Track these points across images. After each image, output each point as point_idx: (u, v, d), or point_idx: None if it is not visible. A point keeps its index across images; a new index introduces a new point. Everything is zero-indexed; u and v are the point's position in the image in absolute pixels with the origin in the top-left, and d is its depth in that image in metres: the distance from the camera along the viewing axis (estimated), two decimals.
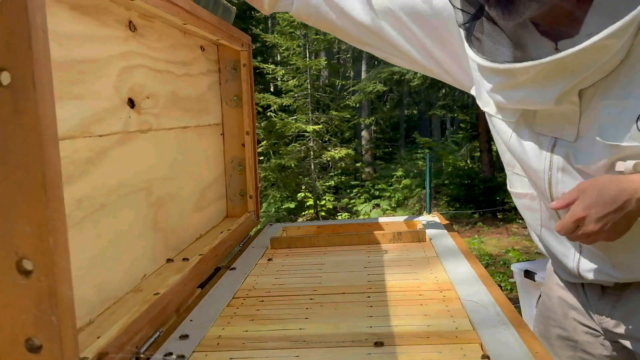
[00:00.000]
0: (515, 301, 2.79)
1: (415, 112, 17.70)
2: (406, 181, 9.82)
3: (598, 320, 1.12)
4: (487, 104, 1.08)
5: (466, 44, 0.97)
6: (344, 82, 11.91)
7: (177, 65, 1.42)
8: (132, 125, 1.15)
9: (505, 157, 1.15)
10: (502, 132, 1.07)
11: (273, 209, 9.11)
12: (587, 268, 1.05)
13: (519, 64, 0.85)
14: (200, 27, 1.40)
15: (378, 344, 0.94)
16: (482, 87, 1.03)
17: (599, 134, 0.89)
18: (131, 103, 1.14)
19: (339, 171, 10.31)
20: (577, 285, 1.17)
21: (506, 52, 0.89)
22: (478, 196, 7.71)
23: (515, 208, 7.47)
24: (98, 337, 0.90)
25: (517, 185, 1.15)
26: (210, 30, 1.49)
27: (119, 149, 1.08)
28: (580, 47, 0.79)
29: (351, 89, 9.89)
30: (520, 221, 7.15)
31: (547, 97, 0.88)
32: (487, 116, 1.13)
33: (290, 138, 9.33)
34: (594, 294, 1.12)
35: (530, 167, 1.03)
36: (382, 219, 2.02)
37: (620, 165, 0.89)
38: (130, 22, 1.15)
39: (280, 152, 9.22)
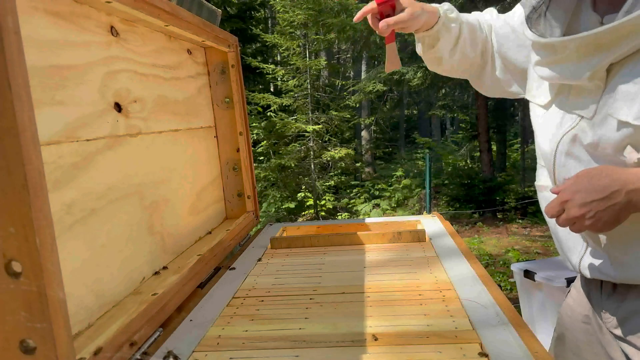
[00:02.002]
0: (515, 301, 2.79)
1: (415, 112, 17.70)
2: (406, 181, 9.82)
3: (603, 319, 1.07)
4: (534, 96, 1.10)
5: (526, 27, 1.00)
6: (344, 82, 11.90)
7: (163, 69, 1.42)
8: (121, 129, 1.15)
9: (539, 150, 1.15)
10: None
11: (273, 209, 9.11)
12: (588, 265, 1.04)
13: (558, 39, 0.91)
14: (183, 28, 1.40)
15: (377, 338, 0.94)
16: (530, 64, 1.06)
17: (613, 109, 0.89)
18: (118, 107, 1.14)
19: (339, 171, 10.30)
20: (596, 281, 1.12)
21: (557, 30, 0.95)
22: (478, 196, 7.70)
23: (515, 208, 7.48)
24: (96, 338, 0.90)
25: (542, 178, 1.14)
26: (194, 32, 1.49)
27: (107, 153, 1.08)
28: (612, 25, 0.81)
29: (351, 89, 9.89)
30: (520, 221, 7.14)
31: (580, 72, 0.90)
32: (532, 111, 1.13)
33: (290, 138, 9.33)
34: (605, 291, 1.07)
35: (544, 153, 1.04)
36: (382, 219, 2.01)
37: (628, 151, 0.88)
38: (112, 27, 1.14)
39: (280, 152, 9.22)
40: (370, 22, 1.18)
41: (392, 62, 1.28)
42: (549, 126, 1.03)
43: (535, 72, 1.03)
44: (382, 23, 1.14)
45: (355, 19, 1.18)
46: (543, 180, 1.13)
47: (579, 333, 1.18)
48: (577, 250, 1.06)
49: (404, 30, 1.17)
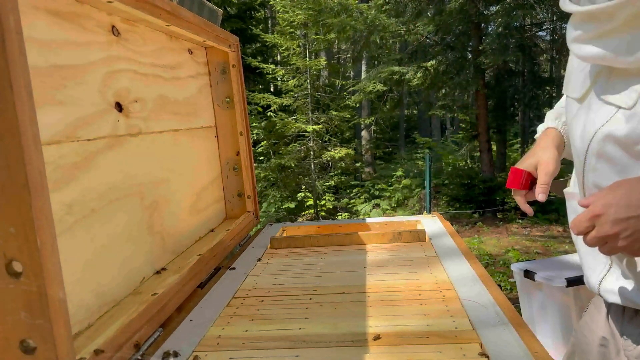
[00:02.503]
0: (515, 301, 2.79)
1: (415, 112, 17.71)
2: (406, 181, 9.82)
3: (624, 346, 0.93)
4: (570, 89, 0.96)
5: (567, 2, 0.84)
6: (344, 82, 11.89)
7: (164, 69, 1.42)
8: (121, 129, 1.15)
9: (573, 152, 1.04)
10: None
11: (273, 209, 9.11)
12: (609, 288, 0.91)
13: (601, 5, 0.74)
14: (184, 28, 1.40)
15: (377, 338, 0.94)
16: (569, 39, 0.88)
17: None
18: (119, 107, 1.14)
19: (339, 171, 10.31)
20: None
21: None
22: (478, 196, 7.70)
23: (515, 208, 7.47)
24: (96, 338, 0.90)
25: (573, 184, 1.03)
26: (195, 31, 1.49)
27: (108, 153, 1.08)
28: None
29: (351, 89, 9.89)
30: (520, 221, 7.14)
31: (632, 49, 0.75)
32: (566, 109, 1.00)
33: (290, 138, 9.33)
34: (627, 314, 0.93)
35: (576, 154, 0.93)
36: (382, 219, 2.01)
37: None
38: (113, 26, 1.14)
39: (280, 152, 9.22)
40: (526, 201, 1.08)
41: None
42: (581, 122, 0.89)
43: (573, 52, 0.85)
44: (541, 196, 1.02)
45: (530, 213, 1.07)
46: (573, 186, 1.01)
47: (594, 356, 1.04)
48: (598, 270, 0.94)
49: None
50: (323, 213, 9.11)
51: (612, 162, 0.83)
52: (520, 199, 1.08)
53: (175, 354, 0.96)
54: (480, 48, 7.37)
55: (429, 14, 7.96)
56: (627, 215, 0.72)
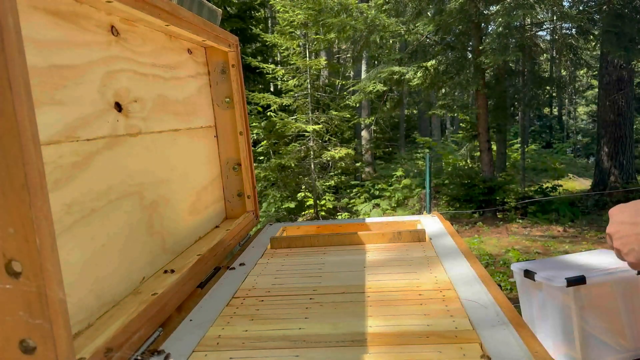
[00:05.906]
0: (515, 301, 2.78)
1: (415, 112, 17.69)
2: (406, 181, 9.82)
3: None
4: None
5: None
6: (344, 82, 11.89)
7: (164, 69, 1.42)
8: (120, 129, 1.14)
9: None
10: None
11: (273, 209, 9.11)
12: None
13: None
14: (183, 27, 1.40)
15: (376, 339, 0.94)
16: None
17: None
18: (118, 107, 1.14)
19: (339, 171, 10.31)
20: None
21: None
22: (478, 196, 7.71)
23: (515, 208, 7.47)
24: (96, 338, 0.89)
25: None
26: (195, 31, 1.49)
27: (107, 153, 1.08)
28: None
29: (351, 88, 9.89)
30: (520, 221, 7.14)
31: None
32: None
33: (290, 138, 9.34)
34: None
35: None
36: (382, 219, 2.01)
37: None
38: (112, 26, 1.14)
39: (280, 152, 9.23)
40: None
41: None
42: None
43: None
44: None
45: None
46: None
47: None
48: None
49: None
50: (323, 213, 9.11)
51: None
52: None
53: (174, 355, 0.96)
54: (480, 48, 7.37)
55: (429, 13, 7.95)
56: (622, 221, 0.79)
